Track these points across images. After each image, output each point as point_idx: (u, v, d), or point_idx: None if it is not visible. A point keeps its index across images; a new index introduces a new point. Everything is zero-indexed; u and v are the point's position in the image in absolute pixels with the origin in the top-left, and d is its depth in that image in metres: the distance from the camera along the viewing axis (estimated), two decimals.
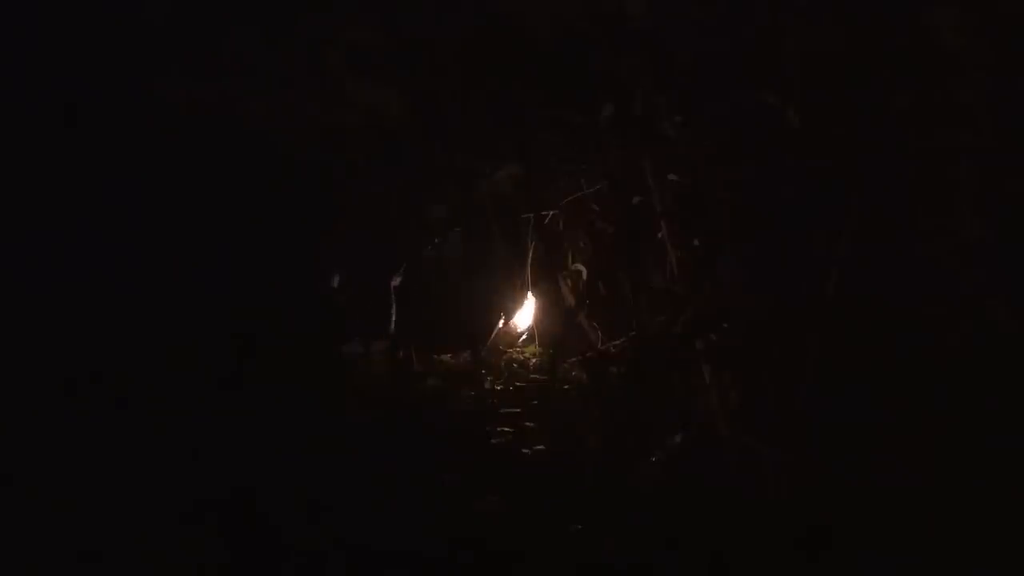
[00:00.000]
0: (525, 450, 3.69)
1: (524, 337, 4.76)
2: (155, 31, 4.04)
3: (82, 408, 3.56)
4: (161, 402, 3.63)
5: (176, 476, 3.30)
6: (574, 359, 4.32)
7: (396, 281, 4.38)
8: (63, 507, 3.12)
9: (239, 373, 3.88)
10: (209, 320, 3.99)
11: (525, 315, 4.73)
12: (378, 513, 3.20)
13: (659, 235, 3.74)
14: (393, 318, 4.40)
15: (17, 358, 3.68)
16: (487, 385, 4.35)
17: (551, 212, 4.33)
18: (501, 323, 4.72)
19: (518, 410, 4.02)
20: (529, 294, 4.67)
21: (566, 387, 4.20)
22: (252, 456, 3.45)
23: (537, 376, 4.42)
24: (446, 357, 4.62)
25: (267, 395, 3.81)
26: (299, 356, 4.11)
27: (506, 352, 4.70)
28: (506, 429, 3.86)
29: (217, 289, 4.04)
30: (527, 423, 3.90)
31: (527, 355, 4.69)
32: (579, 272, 4.36)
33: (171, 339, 3.89)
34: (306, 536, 3.08)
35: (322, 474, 3.40)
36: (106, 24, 4.00)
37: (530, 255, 4.56)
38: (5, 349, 3.68)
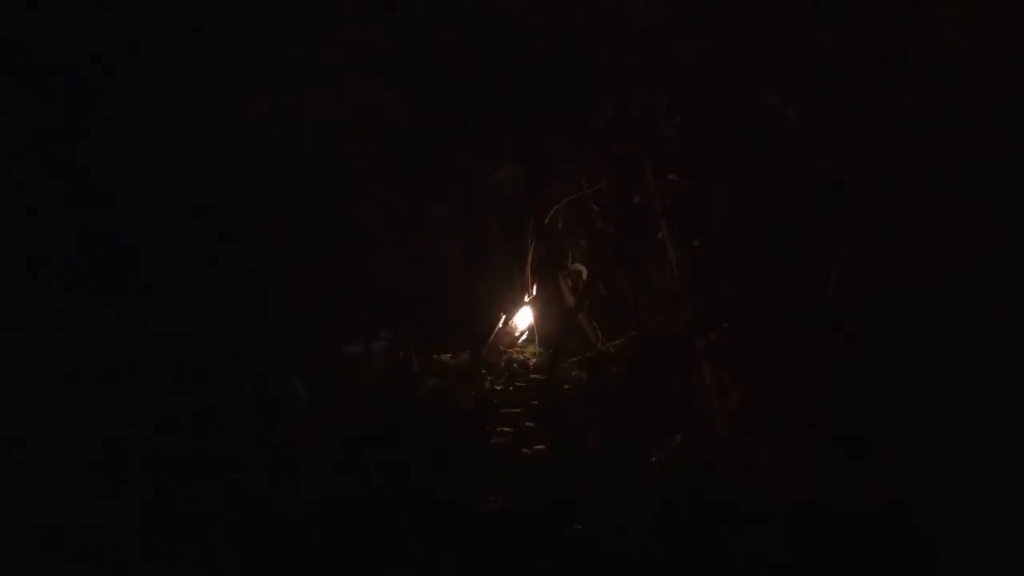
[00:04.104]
0: (525, 450, 3.69)
1: (524, 337, 4.77)
2: (158, 30, 4.05)
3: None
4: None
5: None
6: (574, 359, 4.33)
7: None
8: None
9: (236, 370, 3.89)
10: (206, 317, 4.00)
11: (525, 315, 4.73)
12: (378, 513, 3.20)
13: (659, 235, 3.75)
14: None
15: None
16: (487, 385, 4.35)
17: (551, 212, 4.34)
18: (501, 323, 4.73)
19: (518, 410, 4.02)
20: (529, 294, 4.68)
21: (566, 387, 4.20)
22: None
23: (537, 376, 4.43)
24: (446, 357, 4.62)
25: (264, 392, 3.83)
26: (298, 354, 4.12)
27: (506, 352, 4.71)
28: (506, 429, 3.86)
29: (214, 287, 4.05)
30: (527, 423, 3.90)
31: (527, 355, 4.69)
32: (579, 272, 4.38)
33: (168, 335, 3.90)
34: (305, 536, 3.08)
35: (322, 472, 3.40)
36: (113, 23, 4.01)
37: (530, 255, 4.57)
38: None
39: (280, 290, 4.20)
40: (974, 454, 3.06)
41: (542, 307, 4.68)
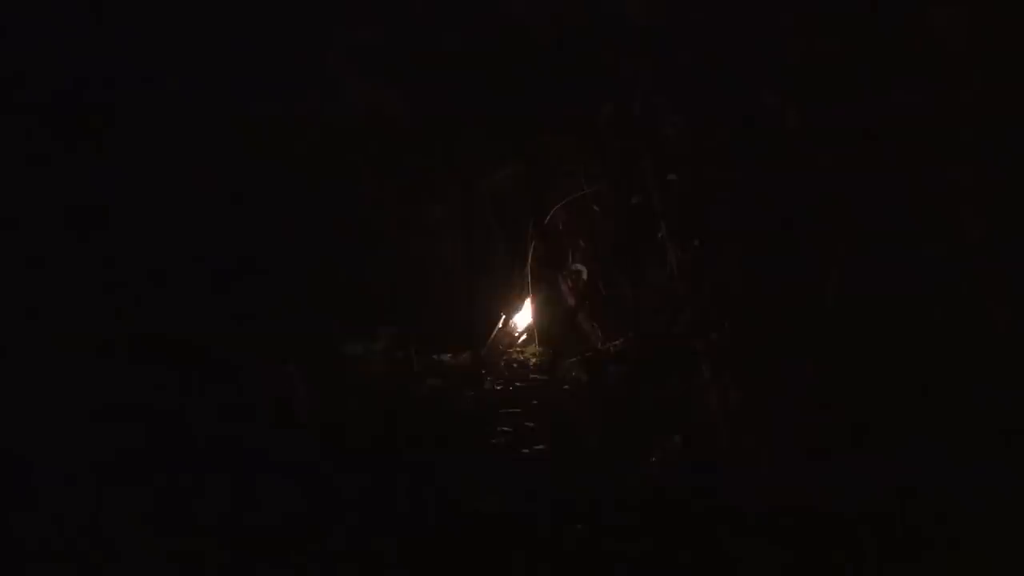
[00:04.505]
0: (525, 450, 3.69)
1: (524, 337, 4.76)
2: (157, 30, 4.05)
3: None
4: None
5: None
6: (574, 359, 4.32)
7: None
8: None
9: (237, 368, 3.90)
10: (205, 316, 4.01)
11: (525, 315, 4.73)
12: (378, 514, 3.20)
13: (659, 235, 3.74)
14: None
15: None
16: (487, 385, 4.35)
17: (551, 212, 4.34)
18: (501, 323, 4.72)
19: (518, 410, 4.02)
20: (529, 294, 4.67)
21: (566, 387, 4.20)
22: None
23: (537, 376, 4.42)
24: (446, 357, 4.62)
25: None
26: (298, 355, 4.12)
27: (506, 352, 4.70)
28: (506, 429, 3.86)
29: (215, 286, 4.05)
30: (527, 423, 3.90)
31: (527, 355, 4.68)
32: (579, 272, 4.37)
33: (169, 335, 3.91)
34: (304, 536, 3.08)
35: (322, 473, 3.40)
36: (112, 24, 4.01)
37: (530, 255, 4.56)
38: None
39: (280, 290, 4.21)
40: (975, 454, 3.06)
41: (542, 307, 4.68)
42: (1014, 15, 3.32)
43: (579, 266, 4.39)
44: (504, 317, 4.72)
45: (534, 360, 4.62)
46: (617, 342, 4.15)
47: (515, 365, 4.60)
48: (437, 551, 3.02)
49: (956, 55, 3.32)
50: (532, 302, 4.69)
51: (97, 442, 3.42)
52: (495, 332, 4.70)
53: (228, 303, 4.10)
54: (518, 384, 4.36)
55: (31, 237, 3.92)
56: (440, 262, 4.56)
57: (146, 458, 3.40)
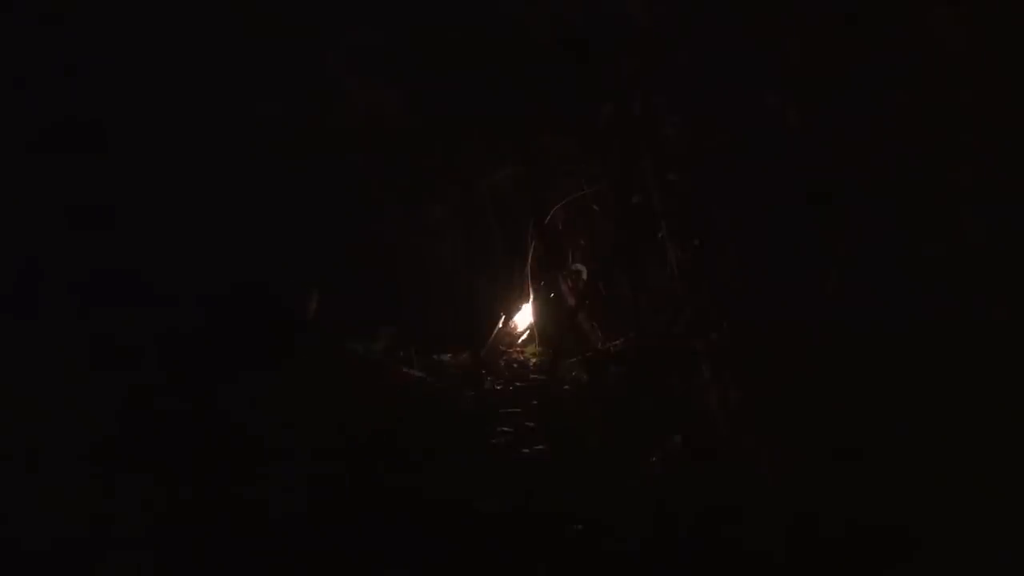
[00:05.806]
0: (525, 450, 3.69)
1: (524, 337, 4.76)
2: (158, 32, 4.05)
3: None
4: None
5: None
6: (574, 359, 4.33)
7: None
8: None
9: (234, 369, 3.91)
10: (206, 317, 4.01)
11: (525, 315, 4.73)
12: (378, 513, 3.20)
13: (659, 235, 3.75)
14: None
15: None
16: (487, 385, 4.35)
17: (551, 212, 4.34)
18: (501, 323, 4.72)
19: (518, 410, 4.02)
20: (529, 294, 4.68)
21: (566, 387, 4.20)
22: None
23: (537, 376, 4.42)
24: (446, 357, 4.62)
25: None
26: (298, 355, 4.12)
27: (506, 352, 4.70)
28: (506, 429, 3.86)
29: (215, 287, 4.06)
30: (527, 423, 3.90)
31: (527, 355, 4.69)
32: (579, 272, 4.38)
33: (169, 335, 3.92)
34: (304, 536, 3.08)
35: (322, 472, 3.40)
36: (113, 25, 4.02)
37: (530, 255, 4.57)
38: None
39: (281, 290, 4.21)
40: (975, 455, 3.06)
41: (542, 307, 4.68)
42: (1014, 15, 3.32)
43: (579, 266, 4.40)
44: (504, 317, 4.72)
45: (534, 360, 4.63)
46: (617, 342, 4.15)
47: (515, 365, 4.60)
48: (437, 551, 3.02)
49: (956, 55, 3.32)
50: (532, 302, 4.69)
51: (95, 441, 3.42)
52: (495, 332, 4.71)
53: (228, 303, 4.10)
54: (518, 384, 4.36)
55: (32, 238, 3.93)
56: (440, 262, 4.57)
57: (145, 458, 3.40)
